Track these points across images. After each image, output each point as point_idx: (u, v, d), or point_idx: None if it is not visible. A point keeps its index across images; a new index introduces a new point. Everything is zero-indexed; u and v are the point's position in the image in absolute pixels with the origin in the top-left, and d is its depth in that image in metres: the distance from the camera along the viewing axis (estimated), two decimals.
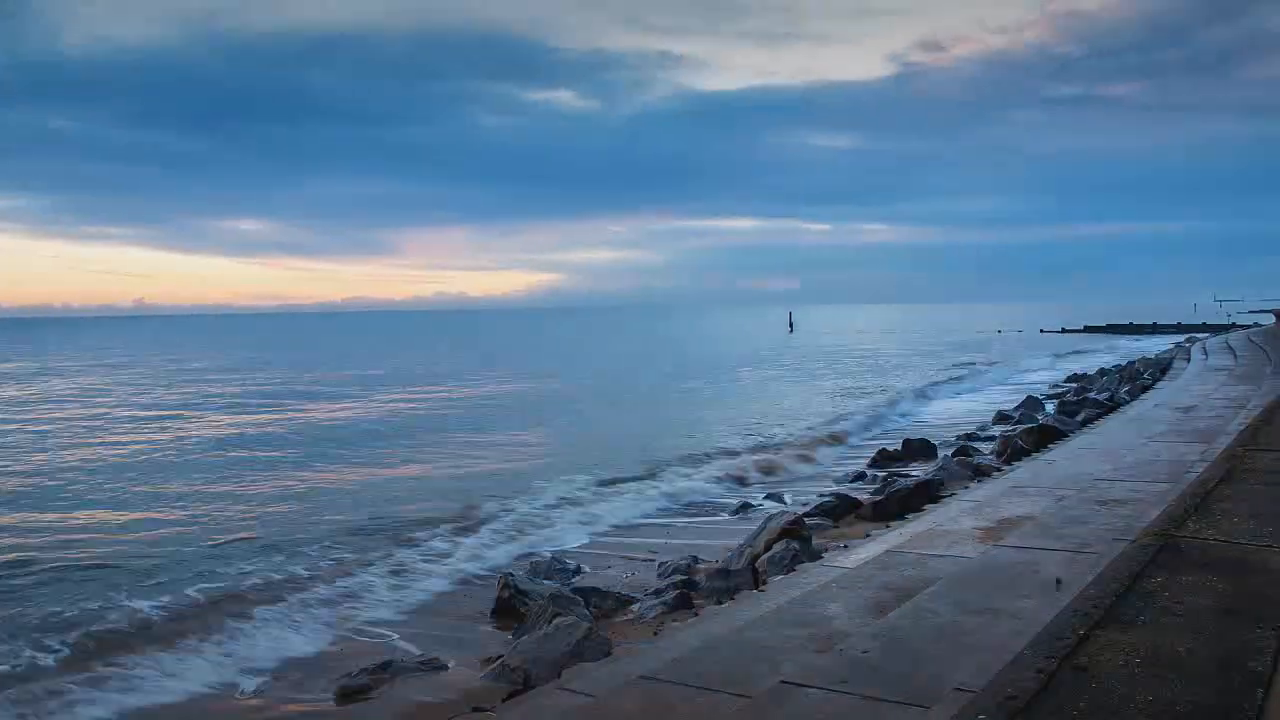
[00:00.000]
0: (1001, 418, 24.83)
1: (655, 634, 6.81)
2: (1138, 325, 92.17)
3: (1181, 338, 63.18)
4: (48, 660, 8.52)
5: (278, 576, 11.15)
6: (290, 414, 30.68)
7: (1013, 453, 17.21)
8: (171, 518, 15.05)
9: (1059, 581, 6.53)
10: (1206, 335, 59.70)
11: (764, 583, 8.34)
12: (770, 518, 11.55)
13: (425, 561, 11.95)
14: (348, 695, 7.72)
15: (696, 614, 7.28)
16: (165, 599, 10.29)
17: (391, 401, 34.47)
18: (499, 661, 8.06)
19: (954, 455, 18.05)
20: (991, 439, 20.93)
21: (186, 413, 31.39)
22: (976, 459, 17.44)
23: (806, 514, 12.79)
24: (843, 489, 15.62)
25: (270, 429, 26.90)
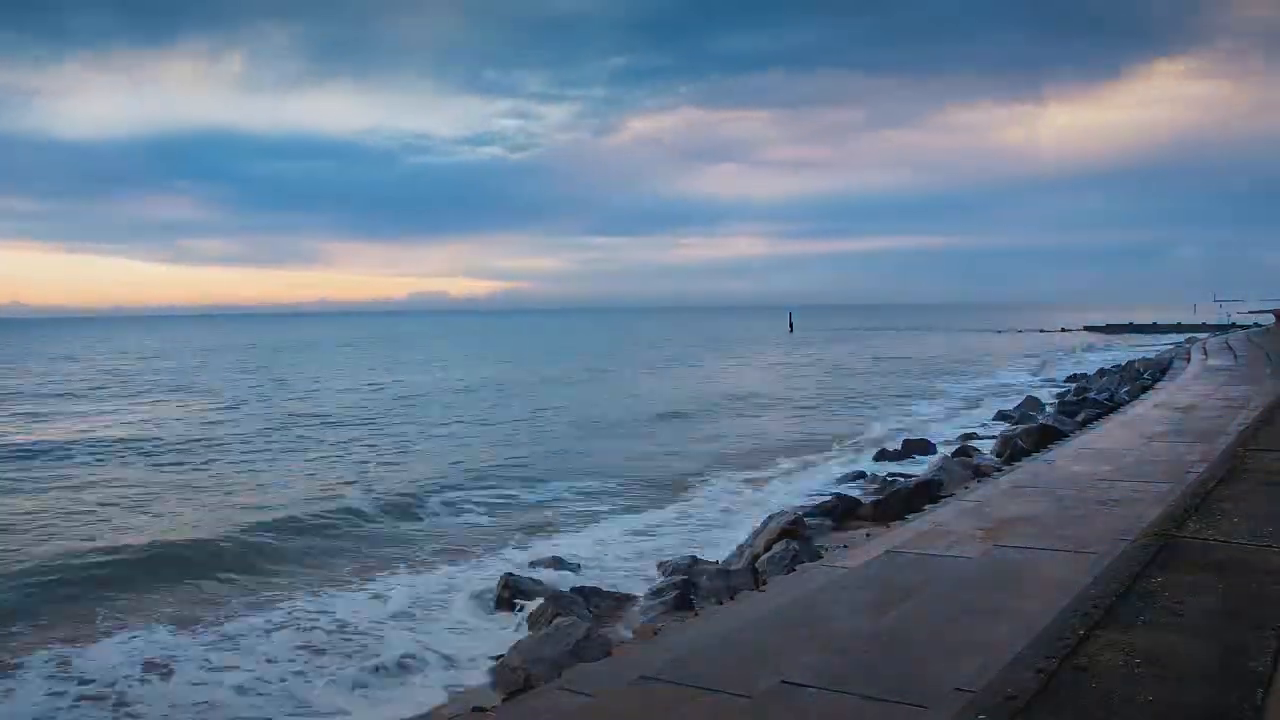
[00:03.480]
0: (1002, 417, 24.84)
1: (655, 634, 6.80)
2: (1138, 325, 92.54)
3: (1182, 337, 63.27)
4: None
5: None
6: None
7: (1013, 453, 17.20)
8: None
9: None
10: (1206, 335, 59.73)
11: (764, 583, 8.34)
12: (770, 518, 11.57)
13: (428, 559, 11.99)
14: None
15: (696, 614, 7.28)
16: None
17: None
18: (499, 661, 8.07)
19: (954, 455, 18.04)
20: (991, 439, 20.93)
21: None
22: (976, 459, 17.43)
23: (806, 514, 12.79)
24: (843, 489, 15.61)
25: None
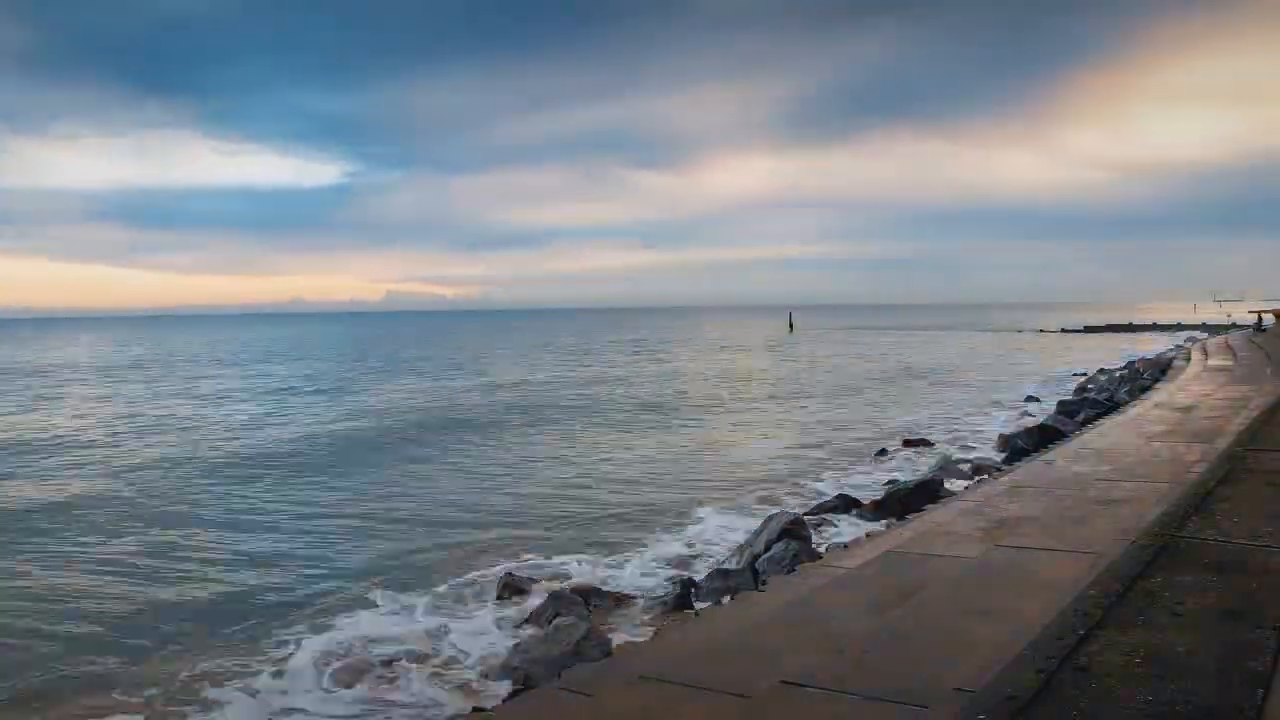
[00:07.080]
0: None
1: (655, 634, 6.80)
2: (1138, 325, 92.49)
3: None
4: None
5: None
6: None
7: (1013, 453, 17.23)
8: None
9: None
10: (1206, 335, 59.72)
11: (764, 583, 8.34)
12: (770, 518, 11.57)
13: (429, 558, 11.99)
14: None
15: (696, 614, 7.28)
16: None
17: None
18: (499, 661, 8.07)
19: (954, 455, 18.07)
20: (991, 439, 20.95)
21: None
22: (976, 459, 17.45)
23: (807, 514, 12.80)
24: (843, 489, 15.62)
25: None
